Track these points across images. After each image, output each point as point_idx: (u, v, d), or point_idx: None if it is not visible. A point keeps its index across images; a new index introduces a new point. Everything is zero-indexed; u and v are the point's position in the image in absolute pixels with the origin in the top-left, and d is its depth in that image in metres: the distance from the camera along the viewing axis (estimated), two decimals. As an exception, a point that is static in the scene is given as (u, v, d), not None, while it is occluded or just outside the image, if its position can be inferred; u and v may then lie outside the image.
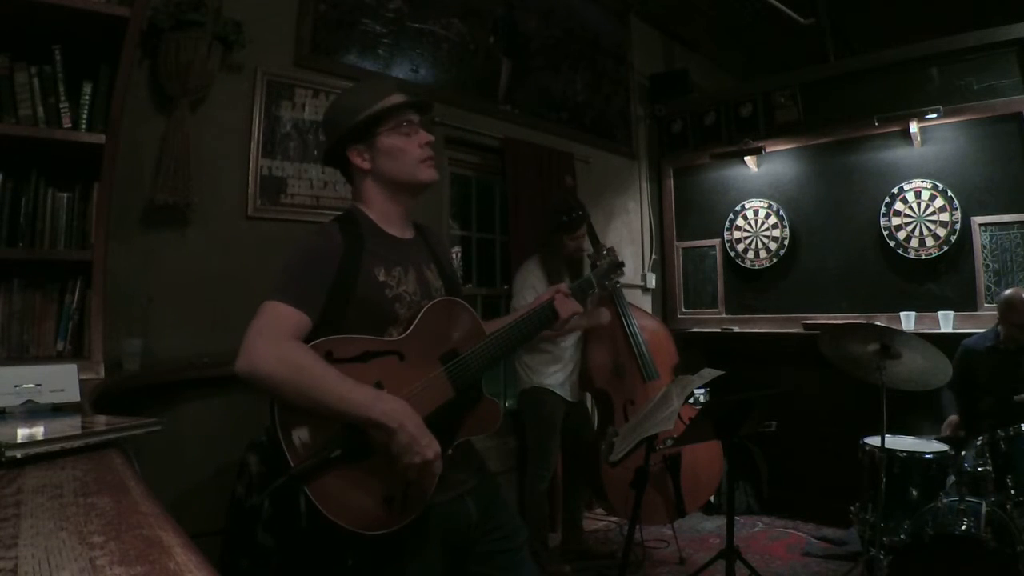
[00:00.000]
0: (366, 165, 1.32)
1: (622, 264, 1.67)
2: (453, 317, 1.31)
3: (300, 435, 1.09)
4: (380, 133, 1.30)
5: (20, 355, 1.79)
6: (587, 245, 3.04)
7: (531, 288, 2.77)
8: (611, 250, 1.70)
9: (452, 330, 1.29)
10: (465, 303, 1.35)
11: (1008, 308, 2.72)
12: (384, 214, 1.35)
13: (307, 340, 1.14)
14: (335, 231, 1.26)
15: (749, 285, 4.18)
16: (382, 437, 1.10)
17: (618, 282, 1.66)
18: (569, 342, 2.91)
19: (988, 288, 3.28)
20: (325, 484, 1.07)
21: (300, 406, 1.08)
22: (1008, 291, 2.78)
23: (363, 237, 1.27)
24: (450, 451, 1.22)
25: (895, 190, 3.56)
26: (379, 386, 1.15)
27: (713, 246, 4.35)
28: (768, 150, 4.04)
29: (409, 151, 1.32)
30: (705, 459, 2.90)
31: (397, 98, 1.33)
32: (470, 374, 1.27)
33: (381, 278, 1.26)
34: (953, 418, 2.87)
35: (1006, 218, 3.25)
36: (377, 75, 1.41)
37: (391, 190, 1.34)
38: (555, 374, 2.88)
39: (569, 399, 2.93)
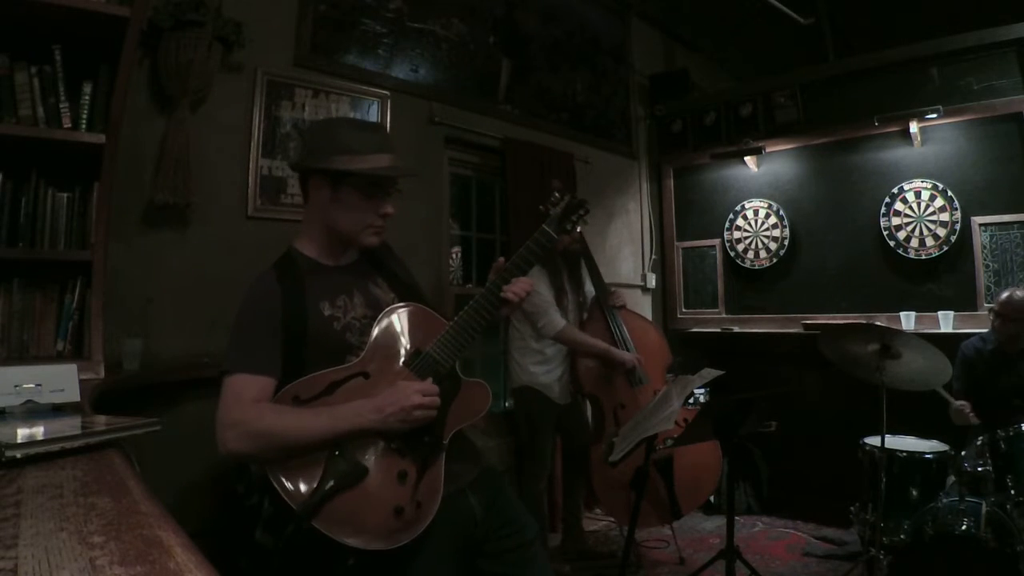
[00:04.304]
0: (321, 201, 1.33)
1: (579, 202, 1.42)
2: (408, 320, 1.32)
3: (291, 477, 1.12)
4: (347, 182, 1.30)
5: (20, 355, 1.79)
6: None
7: None
8: (561, 193, 1.42)
9: (411, 333, 1.31)
10: (418, 304, 1.35)
11: (996, 316, 2.72)
12: (323, 247, 1.37)
13: (277, 389, 1.19)
14: (272, 280, 1.28)
15: (749, 285, 4.18)
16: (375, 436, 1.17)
17: (585, 221, 1.43)
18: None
19: (988, 288, 3.27)
20: (332, 514, 1.10)
21: (288, 455, 1.13)
22: (1002, 295, 2.74)
23: (302, 278, 1.30)
24: (445, 442, 1.25)
25: (895, 190, 3.56)
26: None
27: (713, 246, 4.35)
28: (768, 150, 4.04)
29: (364, 213, 1.33)
30: (702, 459, 2.89)
31: (383, 161, 1.32)
32: (437, 366, 1.28)
33: (327, 312, 1.28)
34: (963, 404, 2.60)
35: (1006, 218, 3.25)
36: (374, 125, 1.43)
37: (332, 233, 1.35)
38: (545, 374, 2.86)
39: (560, 402, 2.90)
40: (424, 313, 1.35)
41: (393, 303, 1.36)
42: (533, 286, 1.39)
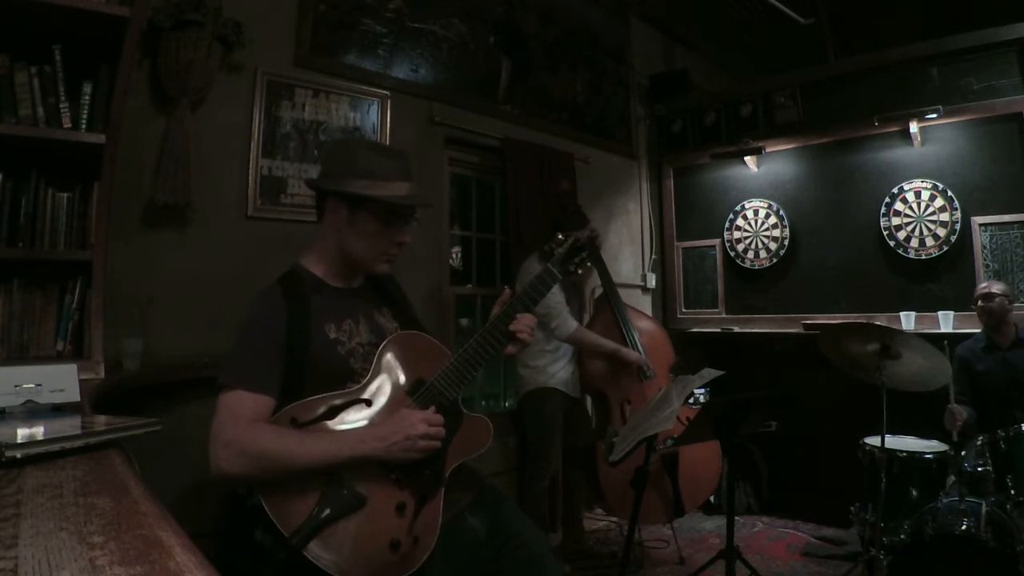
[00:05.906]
0: (337, 223, 1.31)
1: (581, 246, 1.44)
2: (412, 349, 1.30)
3: (286, 504, 1.09)
4: (365, 208, 1.28)
5: (20, 355, 1.78)
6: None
7: None
8: (565, 236, 1.45)
9: (414, 361, 1.28)
10: (422, 332, 1.34)
11: (979, 301, 2.79)
12: (332, 268, 1.34)
13: (276, 409, 1.16)
14: (277, 296, 1.24)
15: (749, 285, 4.18)
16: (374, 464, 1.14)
17: (586, 264, 1.45)
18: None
19: (988, 288, 3.28)
20: (325, 542, 1.06)
21: (284, 480, 1.09)
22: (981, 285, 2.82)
23: (307, 297, 1.27)
24: (446, 476, 1.22)
25: (895, 190, 3.56)
26: None
27: (713, 246, 4.35)
28: (768, 150, 4.04)
29: (379, 240, 1.31)
30: (703, 458, 2.90)
31: (402, 189, 1.30)
32: (440, 397, 1.25)
33: (332, 335, 1.26)
34: (959, 410, 2.50)
35: (1006, 218, 3.25)
36: (395, 151, 1.39)
37: (344, 256, 1.33)
38: (561, 371, 2.90)
39: (573, 394, 2.95)
40: (429, 343, 1.33)
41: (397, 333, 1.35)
42: (537, 321, 1.39)
